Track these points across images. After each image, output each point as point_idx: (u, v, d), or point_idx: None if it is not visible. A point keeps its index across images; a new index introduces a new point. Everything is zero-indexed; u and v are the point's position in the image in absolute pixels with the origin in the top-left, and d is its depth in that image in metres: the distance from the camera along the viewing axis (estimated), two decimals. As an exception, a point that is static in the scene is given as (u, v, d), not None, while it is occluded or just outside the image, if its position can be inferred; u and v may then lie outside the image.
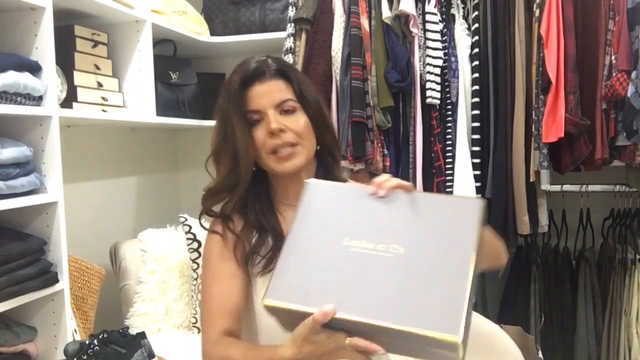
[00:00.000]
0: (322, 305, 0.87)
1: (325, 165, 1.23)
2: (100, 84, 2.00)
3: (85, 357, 1.47)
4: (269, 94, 1.14)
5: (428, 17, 2.24)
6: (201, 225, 1.24)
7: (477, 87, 2.24)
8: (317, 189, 1.03)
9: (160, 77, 2.34)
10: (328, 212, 0.99)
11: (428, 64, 2.25)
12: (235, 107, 1.13)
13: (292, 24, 2.40)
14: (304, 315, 0.89)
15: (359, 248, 0.92)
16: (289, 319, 0.92)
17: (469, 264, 0.88)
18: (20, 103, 1.59)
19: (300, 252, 0.96)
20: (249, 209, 1.18)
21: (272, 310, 0.93)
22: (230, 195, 1.17)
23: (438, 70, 2.25)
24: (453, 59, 2.27)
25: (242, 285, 1.14)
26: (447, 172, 2.27)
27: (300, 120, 1.15)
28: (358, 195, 1.00)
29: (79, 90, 1.89)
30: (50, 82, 1.68)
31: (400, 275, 0.89)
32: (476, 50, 2.24)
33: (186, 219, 2.23)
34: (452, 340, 0.81)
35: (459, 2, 2.29)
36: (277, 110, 1.14)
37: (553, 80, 2.07)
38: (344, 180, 1.23)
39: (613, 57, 2.09)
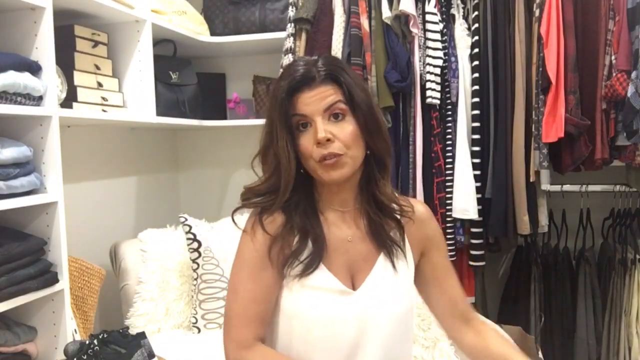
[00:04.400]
0: None
1: (369, 174, 1.17)
2: (100, 84, 2.00)
3: (85, 357, 1.47)
4: (317, 100, 1.09)
5: (428, 17, 2.24)
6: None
7: (477, 87, 2.24)
8: None
9: (160, 77, 2.33)
10: None
11: (428, 64, 2.25)
12: (280, 115, 1.09)
13: (292, 24, 2.39)
14: None
15: None
16: None
17: None
18: (20, 103, 1.59)
19: None
20: (292, 210, 1.15)
21: None
22: (271, 198, 1.14)
23: (438, 70, 2.25)
24: (453, 59, 2.27)
25: (273, 290, 1.12)
26: (447, 172, 2.27)
27: (348, 128, 1.09)
28: None
29: (79, 90, 1.89)
30: (50, 82, 1.68)
31: None
32: (476, 50, 2.24)
33: (186, 219, 2.23)
34: None
35: (459, 2, 2.29)
36: (325, 115, 1.09)
37: (553, 80, 2.07)
38: (389, 196, 1.16)
39: (613, 57, 2.09)
